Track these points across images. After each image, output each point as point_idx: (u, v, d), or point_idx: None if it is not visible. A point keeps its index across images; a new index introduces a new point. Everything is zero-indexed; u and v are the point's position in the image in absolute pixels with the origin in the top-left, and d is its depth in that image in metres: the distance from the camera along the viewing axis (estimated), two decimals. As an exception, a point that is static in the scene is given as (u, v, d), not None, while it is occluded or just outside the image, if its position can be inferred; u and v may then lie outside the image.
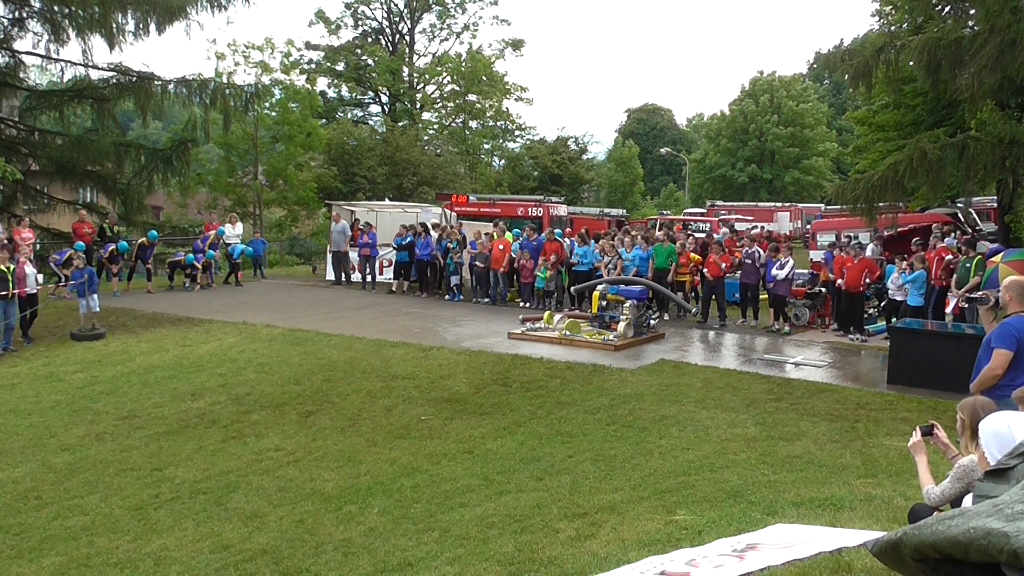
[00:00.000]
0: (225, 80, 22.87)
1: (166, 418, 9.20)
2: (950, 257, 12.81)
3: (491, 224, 19.14)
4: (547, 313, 13.89)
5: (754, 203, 43.86)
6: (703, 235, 21.95)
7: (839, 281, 13.44)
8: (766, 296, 14.62)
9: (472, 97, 43.15)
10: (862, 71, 13.45)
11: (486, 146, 45.59)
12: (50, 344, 12.84)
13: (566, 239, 16.81)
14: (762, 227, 31.52)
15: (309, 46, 42.66)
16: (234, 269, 19.82)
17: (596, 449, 7.40)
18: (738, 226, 29.32)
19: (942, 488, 3.74)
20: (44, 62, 20.24)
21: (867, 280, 13.25)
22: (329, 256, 20.44)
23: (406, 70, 43.49)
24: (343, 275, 19.71)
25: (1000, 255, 12.46)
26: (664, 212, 43.65)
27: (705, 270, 14.85)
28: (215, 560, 5.53)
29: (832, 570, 3.92)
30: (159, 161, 20.25)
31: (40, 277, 14.03)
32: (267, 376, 10.73)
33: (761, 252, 14.50)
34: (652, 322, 13.52)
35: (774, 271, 13.73)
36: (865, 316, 13.78)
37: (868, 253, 14.64)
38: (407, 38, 45.11)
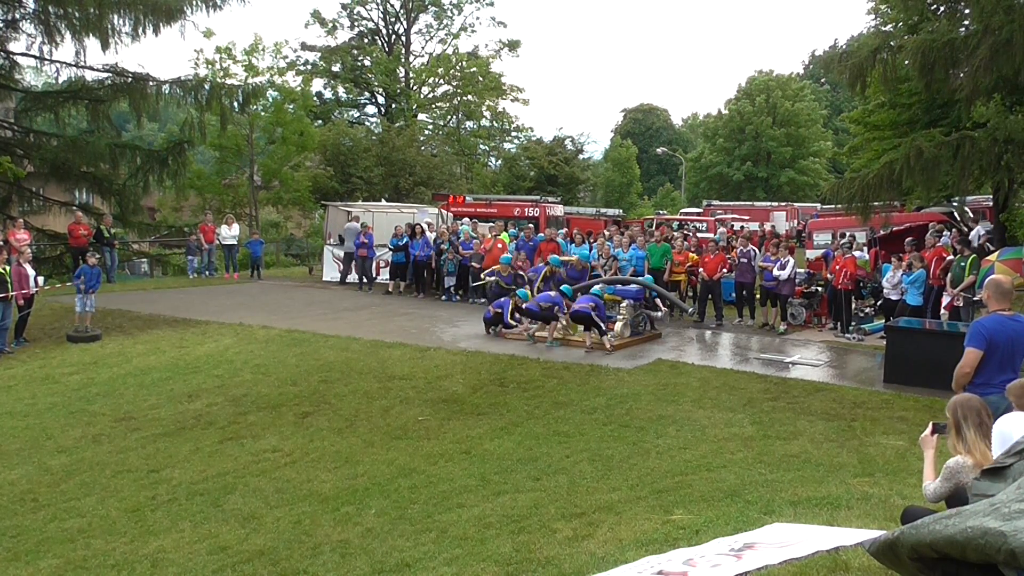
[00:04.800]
0: (220, 81, 22.88)
1: (163, 420, 9.18)
2: (950, 257, 12.81)
3: (488, 224, 19.17)
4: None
5: (750, 203, 43.91)
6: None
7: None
8: (759, 296, 14.64)
9: (469, 98, 43.18)
10: (858, 72, 13.49)
11: (482, 147, 45.60)
12: (46, 346, 12.81)
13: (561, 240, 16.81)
14: (772, 226, 31.99)
15: (305, 47, 42.70)
16: (257, 266, 21.22)
17: (593, 449, 7.41)
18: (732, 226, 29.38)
19: (935, 486, 3.77)
20: (39, 63, 20.23)
21: (844, 278, 13.24)
22: (342, 256, 19.85)
23: (402, 71, 43.49)
24: (363, 276, 18.81)
25: (996, 254, 12.50)
26: (660, 212, 43.68)
27: (701, 269, 14.87)
28: (212, 561, 5.52)
29: (829, 569, 3.93)
30: (155, 162, 20.25)
31: (40, 279, 14.00)
32: (264, 377, 10.71)
33: (756, 251, 14.52)
34: (659, 314, 13.50)
35: (775, 271, 13.74)
36: (861, 315, 13.80)
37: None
38: (403, 39, 45.13)
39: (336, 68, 42.60)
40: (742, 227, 27.68)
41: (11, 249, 13.69)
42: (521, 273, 15.09)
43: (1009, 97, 14.85)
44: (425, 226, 18.71)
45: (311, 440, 8.28)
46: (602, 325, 11.87)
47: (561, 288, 13.35)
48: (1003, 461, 2.92)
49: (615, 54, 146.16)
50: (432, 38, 45.42)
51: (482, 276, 15.29)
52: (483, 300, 16.85)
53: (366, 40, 44.07)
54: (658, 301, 13.60)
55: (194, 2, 19.41)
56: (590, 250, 16.09)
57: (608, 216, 27.71)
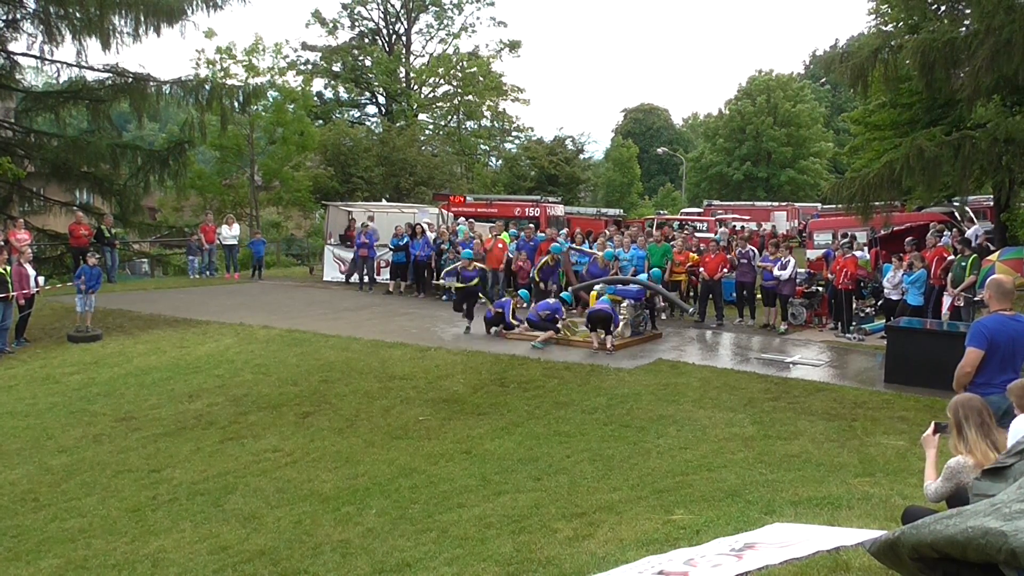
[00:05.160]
0: (220, 81, 22.90)
1: (163, 419, 9.19)
2: (951, 257, 12.79)
3: (488, 224, 19.15)
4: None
5: (751, 202, 43.89)
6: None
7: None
8: (760, 296, 14.64)
9: (469, 98, 43.19)
10: (858, 72, 13.50)
11: (483, 147, 45.60)
12: (47, 346, 12.82)
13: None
14: (772, 225, 32.12)
15: (306, 47, 42.71)
16: (259, 266, 21.31)
17: (594, 449, 7.41)
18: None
19: (936, 486, 3.78)
20: (39, 63, 20.25)
21: (845, 278, 13.25)
22: (348, 257, 19.65)
23: (403, 71, 43.49)
24: (363, 276, 18.72)
25: (997, 253, 12.48)
26: (661, 211, 43.68)
27: (702, 269, 14.86)
28: (213, 561, 5.52)
29: (830, 569, 3.93)
30: (155, 162, 20.27)
31: (41, 279, 14.00)
32: (264, 377, 10.71)
33: (756, 251, 14.51)
34: (663, 312, 13.53)
35: (776, 271, 13.73)
36: (862, 315, 13.80)
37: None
38: (404, 39, 45.13)
39: (337, 68, 42.59)
40: (742, 227, 27.69)
41: (12, 249, 13.70)
42: (483, 267, 14.80)
43: (1010, 97, 14.86)
44: (425, 226, 18.70)
45: (312, 440, 8.29)
46: (613, 327, 11.92)
47: (561, 295, 13.42)
48: (1004, 461, 2.92)
49: (615, 54, 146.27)
50: (432, 38, 45.48)
51: (441, 278, 14.55)
52: (483, 300, 16.77)
53: (367, 40, 44.07)
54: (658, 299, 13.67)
55: (195, 2, 19.43)
56: (590, 248, 16.08)
57: (609, 216, 27.72)
